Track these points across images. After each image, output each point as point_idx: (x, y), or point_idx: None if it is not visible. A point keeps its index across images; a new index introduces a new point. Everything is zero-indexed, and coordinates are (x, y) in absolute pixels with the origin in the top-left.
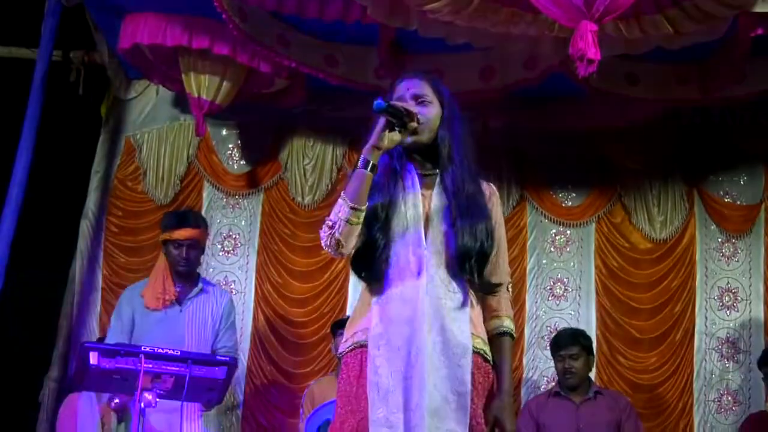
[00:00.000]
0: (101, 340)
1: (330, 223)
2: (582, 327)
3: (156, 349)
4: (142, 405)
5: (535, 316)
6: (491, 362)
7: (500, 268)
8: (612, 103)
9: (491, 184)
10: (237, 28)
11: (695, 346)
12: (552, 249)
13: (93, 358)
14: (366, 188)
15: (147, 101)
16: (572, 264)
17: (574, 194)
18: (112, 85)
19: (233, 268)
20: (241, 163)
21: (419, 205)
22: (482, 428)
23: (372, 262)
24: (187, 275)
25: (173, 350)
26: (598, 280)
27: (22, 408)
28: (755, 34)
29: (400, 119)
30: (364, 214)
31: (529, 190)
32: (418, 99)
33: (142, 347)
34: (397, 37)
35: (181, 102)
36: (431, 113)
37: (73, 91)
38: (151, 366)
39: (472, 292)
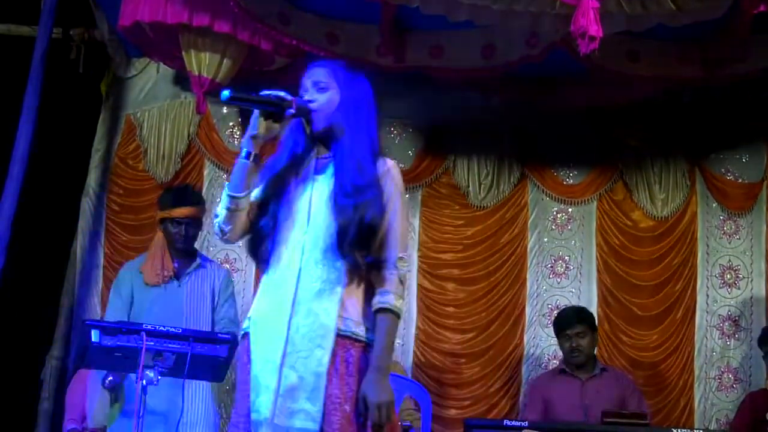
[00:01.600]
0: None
1: (216, 211)
2: (583, 305)
3: (157, 326)
4: (144, 383)
5: (536, 294)
6: (368, 342)
7: (389, 244)
8: (613, 81)
9: (388, 159)
10: (238, 6)
11: (696, 323)
12: (553, 227)
13: (94, 335)
14: (244, 176)
15: (147, 79)
16: (573, 242)
17: (575, 172)
18: (113, 63)
19: (234, 246)
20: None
21: (307, 190)
22: (338, 407)
23: (259, 249)
24: (186, 251)
25: (175, 328)
26: (600, 258)
27: (24, 386)
28: (757, 11)
29: (271, 106)
30: (243, 201)
31: (530, 168)
32: (317, 86)
33: (144, 325)
34: (399, 14)
35: (182, 80)
36: (325, 98)
37: (73, 68)
38: (152, 344)
39: (355, 273)
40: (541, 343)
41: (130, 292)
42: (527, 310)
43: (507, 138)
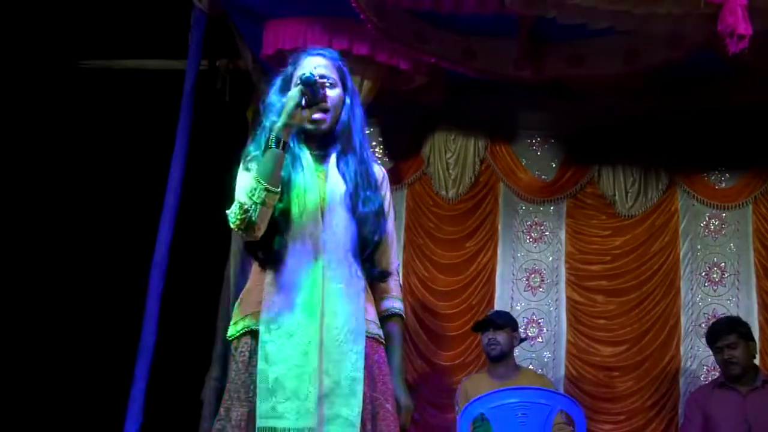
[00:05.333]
0: None
1: (245, 207)
2: (741, 313)
3: None
4: None
5: (691, 303)
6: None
7: (390, 254)
8: (764, 78)
9: (381, 166)
10: (375, 27)
11: None
12: (706, 233)
13: None
14: (280, 169)
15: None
16: (729, 248)
17: (727, 175)
18: (257, 91)
19: None
20: (384, 159)
21: (316, 187)
22: (382, 406)
23: (271, 244)
24: None
25: None
26: (758, 264)
27: (185, 406)
28: None
29: (315, 98)
30: (278, 196)
31: (678, 174)
32: (327, 80)
33: None
34: (536, 26)
35: None
36: (336, 95)
37: (219, 98)
38: None
39: (368, 277)
40: (699, 354)
41: None
42: (682, 320)
43: (652, 144)
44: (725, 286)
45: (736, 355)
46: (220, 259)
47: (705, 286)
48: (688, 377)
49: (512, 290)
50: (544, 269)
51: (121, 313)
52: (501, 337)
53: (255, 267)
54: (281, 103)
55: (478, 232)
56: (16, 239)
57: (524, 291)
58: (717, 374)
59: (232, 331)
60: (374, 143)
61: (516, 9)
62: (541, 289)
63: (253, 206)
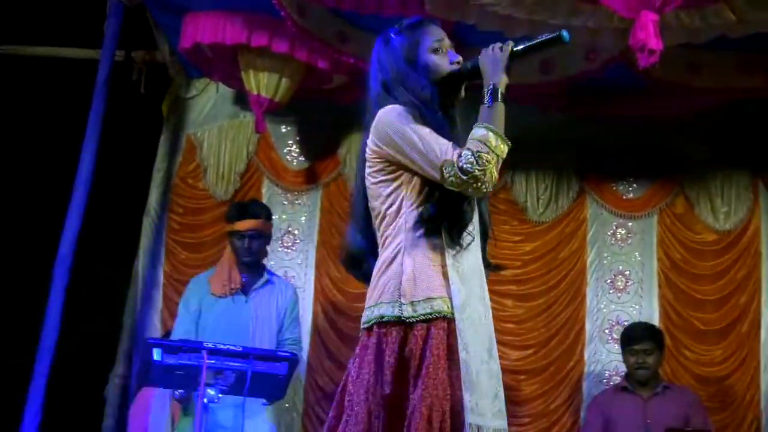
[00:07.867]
0: (168, 333)
1: (486, 157)
2: (644, 320)
3: (218, 344)
4: (206, 400)
5: (596, 310)
6: None
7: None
8: (674, 93)
9: None
10: (295, 25)
11: (762, 338)
12: (613, 242)
13: (156, 354)
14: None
15: (207, 99)
16: (634, 257)
17: (635, 186)
18: (173, 84)
19: (292, 263)
20: (300, 159)
21: None
22: None
23: (461, 223)
24: (252, 266)
25: (235, 346)
26: (661, 273)
27: (87, 404)
28: None
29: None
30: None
31: (588, 183)
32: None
33: (205, 343)
34: (456, 31)
35: (241, 99)
36: None
37: (135, 90)
38: (213, 362)
39: None
40: (602, 359)
41: (198, 305)
42: (587, 325)
43: (565, 152)
44: (629, 294)
45: (649, 362)
46: (129, 253)
47: (610, 293)
48: (591, 382)
49: None
50: None
51: (22, 306)
52: None
53: (424, 244)
54: (412, 68)
55: None
56: None
57: None
58: (619, 379)
59: (409, 312)
60: (290, 142)
61: (437, 14)
62: None
63: (496, 158)
